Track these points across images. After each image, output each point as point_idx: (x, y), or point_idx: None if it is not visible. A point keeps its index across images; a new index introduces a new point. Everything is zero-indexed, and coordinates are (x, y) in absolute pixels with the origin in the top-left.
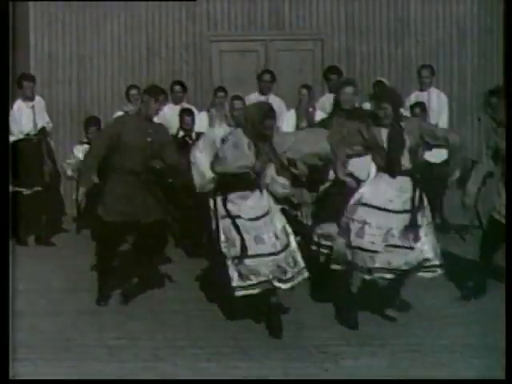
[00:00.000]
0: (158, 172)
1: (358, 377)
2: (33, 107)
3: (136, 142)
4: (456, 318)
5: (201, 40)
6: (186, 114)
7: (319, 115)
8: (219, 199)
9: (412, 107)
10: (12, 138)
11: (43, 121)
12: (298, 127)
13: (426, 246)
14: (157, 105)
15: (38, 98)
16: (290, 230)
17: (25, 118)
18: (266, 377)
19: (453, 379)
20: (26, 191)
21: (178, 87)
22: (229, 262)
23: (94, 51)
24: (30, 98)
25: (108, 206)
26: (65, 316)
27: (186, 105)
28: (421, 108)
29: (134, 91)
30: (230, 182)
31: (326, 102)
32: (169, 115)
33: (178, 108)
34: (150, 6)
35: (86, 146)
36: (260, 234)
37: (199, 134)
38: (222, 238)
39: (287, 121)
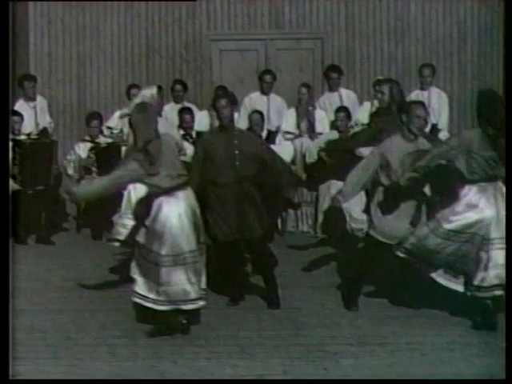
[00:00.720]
0: (254, 181)
1: (357, 376)
2: (34, 107)
3: (224, 157)
4: (456, 317)
5: (201, 39)
6: (185, 112)
7: (319, 114)
8: None
9: None
10: (21, 137)
11: (45, 121)
12: (298, 126)
13: None
14: (228, 110)
15: (39, 98)
16: None
17: (26, 118)
18: (266, 376)
19: (453, 378)
20: (29, 190)
21: (178, 86)
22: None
23: (93, 50)
24: (31, 98)
25: (213, 227)
26: (65, 315)
27: (186, 104)
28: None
29: (134, 90)
30: None
31: (326, 101)
32: (169, 114)
33: (178, 107)
34: (149, 5)
35: (88, 144)
36: None
37: (199, 133)
38: None
39: (287, 119)
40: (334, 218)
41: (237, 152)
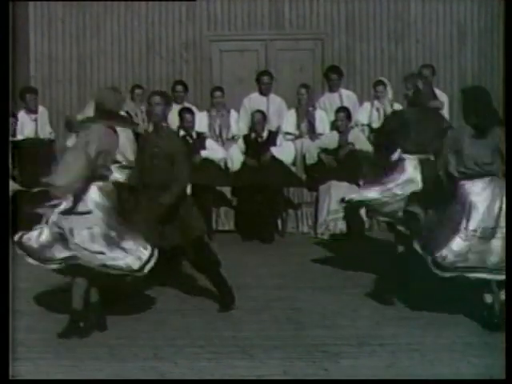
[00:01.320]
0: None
1: (357, 376)
2: (35, 120)
3: (145, 155)
4: (456, 317)
5: (201, 40)
6: (186, 112)
7: (319, 114)
8: None
9: None
10: (20, 137)
11: (45, 132)
12: (298, 126)
13: None
14: (159, 108)
15: (41, 109)
16: None
17: (27, 129)
18: (266, 376)
19: (453, 379)
20: (30, 190)
21: (179, 87)
22: None
23: (93, 51)
24: (33, 111)
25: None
26: (65, 315)
27: (186, 104)
28: None
29: (138, 91)
30: None
31: (326, 101)
32: (170, 115)
33: (179, 107)
34: (150, 5)
35: None
36: None
37: (199, 134)
38: None
39: (287, 120)
40: (353, 214)
41: (156, 150)
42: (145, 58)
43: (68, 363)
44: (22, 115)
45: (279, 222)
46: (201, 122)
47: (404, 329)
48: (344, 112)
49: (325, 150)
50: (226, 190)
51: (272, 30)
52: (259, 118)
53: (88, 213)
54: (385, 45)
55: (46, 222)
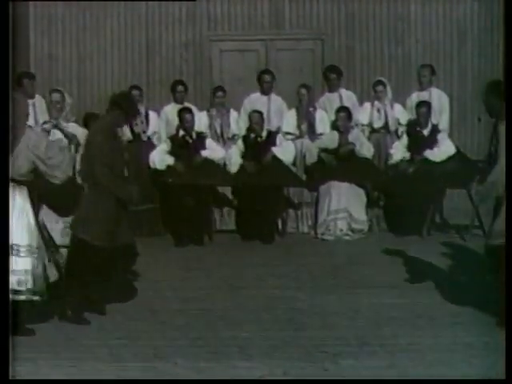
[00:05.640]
0: None
1: (357, 377)
2: (33, 104)
3: None
4: (456, 317)
5: (201, 39)
6: (186, 112)
7: (320, 114)
8: None
9: (417, 106)
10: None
11: (44, 119)
12: (298, 126)
13: None
14: None
15: (38, 97)
16: None
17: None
18: (266, 376)
19: (453, 379)
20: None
21: (180, 87)
22: None
23: (93, 51)
24: (30, 96)
25: None
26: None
27: (186, 104)
28: (427, 107)
29: (135, 92)
30: None
31: (326, 101)
32: (171, 115)
33: (179, 107)
34: (149, 5)
35: None
36: None
37: (199, 134)
38: None
39: (288, 120)
40: None
41: None
42: (145, 58)
43: (68, 363)
44: None
45: (279, 222)
46: (201, 121)
47: (404, 329)
48: (344, 112)
49: (325, 150)
50: (227, 190)
51: (272, 30)
52: (257, 119)
53: None
54: (385, 45)
55: None
